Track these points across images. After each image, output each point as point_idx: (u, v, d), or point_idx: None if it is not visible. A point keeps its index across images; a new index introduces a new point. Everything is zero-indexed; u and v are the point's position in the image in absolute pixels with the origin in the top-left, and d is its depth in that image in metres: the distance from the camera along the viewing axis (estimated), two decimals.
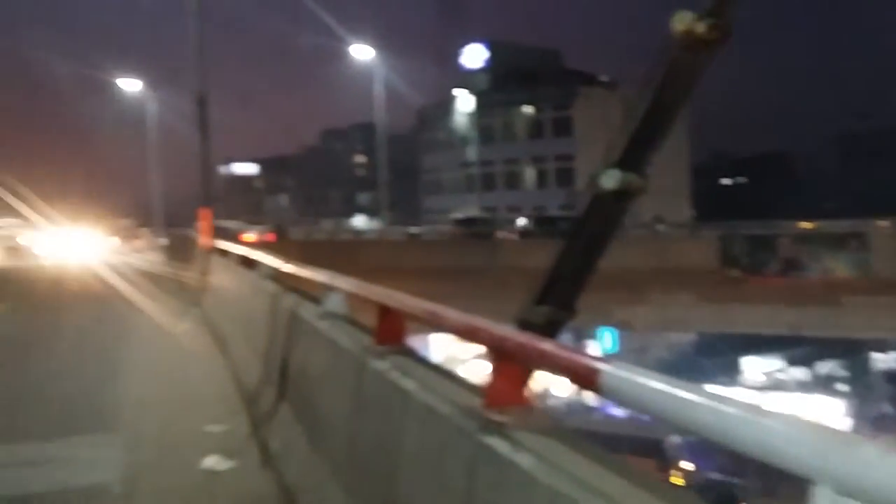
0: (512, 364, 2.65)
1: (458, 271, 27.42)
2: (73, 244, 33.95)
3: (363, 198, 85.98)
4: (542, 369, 2.33)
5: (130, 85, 47.63)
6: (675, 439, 32.64)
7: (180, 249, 26.12)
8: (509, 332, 2.60)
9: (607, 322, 29.32)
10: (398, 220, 54.26)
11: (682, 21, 12.59)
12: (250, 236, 32.89)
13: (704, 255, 25.97)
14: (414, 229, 43.52)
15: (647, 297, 26.34)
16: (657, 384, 1.78)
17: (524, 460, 2.24)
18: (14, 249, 32.62)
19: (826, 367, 45.15)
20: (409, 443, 3.08)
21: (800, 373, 44.73)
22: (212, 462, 5.76)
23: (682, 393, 1.69)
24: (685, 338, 40.99)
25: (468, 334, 2.92)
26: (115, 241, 39.74)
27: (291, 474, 4.81)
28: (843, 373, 45.04)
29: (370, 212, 75.92)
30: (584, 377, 2.04)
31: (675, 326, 30.33)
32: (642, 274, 25.51)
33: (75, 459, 6.05)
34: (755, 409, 1.53)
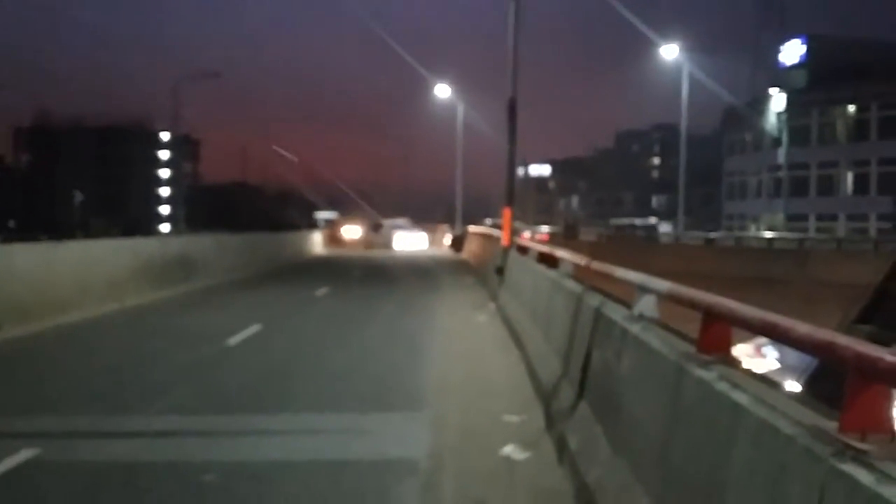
0: (876, 387, 2.30)
1: (759, 281, 25.59)
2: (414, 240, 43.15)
3: (658, 200, 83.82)
4: None
5: (443, 91, 51.15)
6: None
7: (483, 245, 27.46)
8: (880, 351, 2.24)
9: None
10: (695, 224, 51.99)
11: None
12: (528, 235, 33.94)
13: None
14: (712, 234, 41.36)
15: None
16: None
17: (893, 494, 1.94)
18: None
19: None
20: (739, 460, 2.83)
21: None
22: (509, 451, 5.87)
23: None
24: None
25: (822, 350, 2.58)
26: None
27: (591, 474, 4.71)
28: None
29: (664, 215, 73.65)
30: None
31: None
32: None
33: (388, 433, 6.54)
34: None
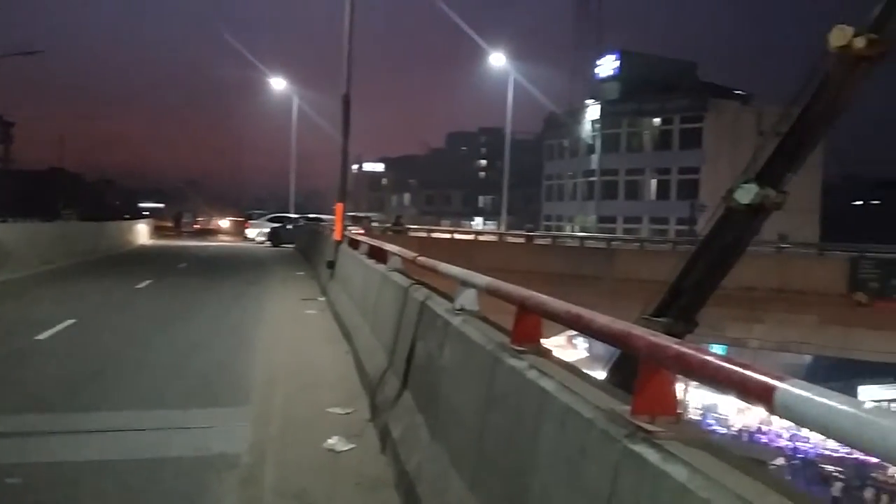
0: (664, 373, 2.58)
1: (572, 277, 27.18)
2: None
3: (484, 200, 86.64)
4: (704, 382, 2.24)
5: (278, 84, 50.19)
6: (779, 462, 31.51)
7: (311, 240, 27.17)
8: (668, 340, 2.52)
9: (720, 339, 28.54)
10: (517, 223, 54.26)
11: (841, 36, 11.99)
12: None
13: (831, 278, 24.74)
14: (531, 233, 43.41)
15: (765, 316, 25.46)
16: (845, 406, 1.67)
17: (677, 471, 2.16)
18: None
19: None
20: (545, 443, 3.04)
21: None
22: (333, 442, 5.94)
23: (877, 419, 1.58)
24: (799, 360, 39.38)
25: (619, 340, 2.85)
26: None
27: (411, 462, 4.87)
28: None
29: (490, 214, 76.33)
30: (756, 394, 1.95)
31: (793, 348, 29.14)
32: (762, 292, 24.70)
33: (210, 428, 6.39)
34: None
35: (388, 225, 42.65)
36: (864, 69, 11.98)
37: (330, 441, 5.96)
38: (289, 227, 38.74)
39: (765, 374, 1.97)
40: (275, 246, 36.98)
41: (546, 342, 4.02)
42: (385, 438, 5.73)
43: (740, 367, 2.08)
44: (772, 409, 1.88)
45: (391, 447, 5.44)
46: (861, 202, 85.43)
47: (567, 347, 36.42)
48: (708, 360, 2.22)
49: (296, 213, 44.17)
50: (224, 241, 43.56)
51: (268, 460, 5.57)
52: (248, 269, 24.30)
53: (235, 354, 9.73)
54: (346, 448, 5.84)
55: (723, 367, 2.14)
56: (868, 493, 28.78)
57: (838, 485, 30.00)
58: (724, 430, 37.11)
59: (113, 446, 5.79)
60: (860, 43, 11.55)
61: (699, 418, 37.75)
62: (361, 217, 39.45)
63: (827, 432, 1.74)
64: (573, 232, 53.89)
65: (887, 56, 11.82)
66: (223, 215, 60.12)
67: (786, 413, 1.84)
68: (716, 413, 37.53)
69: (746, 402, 2.04)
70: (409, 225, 47.60)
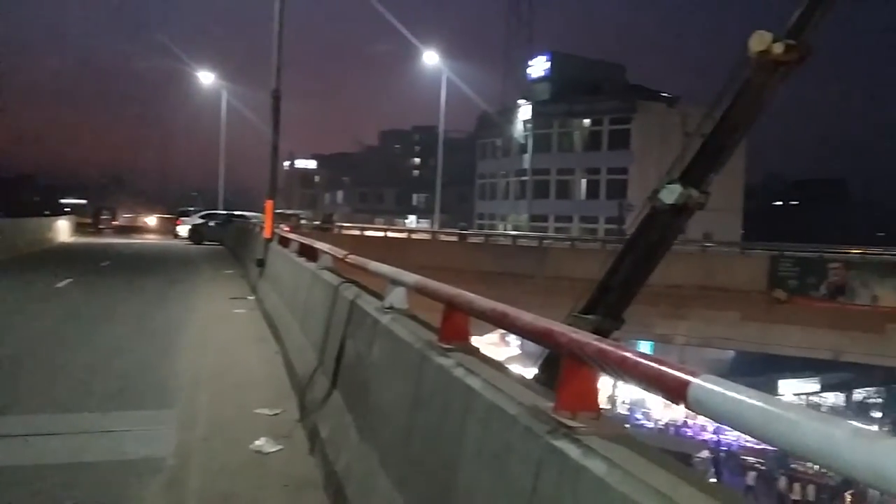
0: (585, 369, 2.62)
1: (504, 275, 27.44)
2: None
3: (418, 198, 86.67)
4: (623, 378, 2.29)
5: (206, 78, 49.19)
6: (704, 454, 32.57)
7: (240, 237, 26.67)
8: (589, 337, 2.56)
9: (647, 335, 29.28)
10: (451, 222, 54.47)
11: (760, 41, 12.42)
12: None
13: (752, 275, 25.65)
14: (464, 231, 43.59)
15: (690, 312, 26.24)
16: (753, 400, 1.73)
17: (596, 466, 2.20)
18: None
19: (863, 393, 45.04)
20: (471, 440, 3.06)
21: (836, 397, 44.51)
22: (261, 443, 5.85)
23: (782, 411, 1.64)
24: (723, 355, 40.83)
25: (542, 337, 2.89)
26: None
27: (340, 462, 4.83)
28: (879, 400, 44.81)
29: (423, 212, 76.40)
30: (671, 389, 2.00)
31: (716, 343, 30.17)
32: (687, 289, 25.41)
33: (132, 432, 6.21)
34: (866, 432, 1.47)
35: (317, 223, 42.00)
36: (781, 73, 12.44)
37: (257, 442, 5.87)
38: (211, 223, 37.58)
39: (679, 370, 2.02)
40: (196, 244, 35.78)
41: (479, 340, 4.05)
42: (314, 439, 5.68)
43: (657, 362, 2.12)
44: (685, 404, 1.93)
45: (320, 448, 5.38)
46: (781, 202, 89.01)
47: (500, 345, 36.76)
48: (627, 357, 2.26)
49: (226, 211, 43.27)
50: (150, 239, 42.39)
51: (193, 463, 5.45)
52: (174, 267, 23.70)
53: (160, 355, 9.47)
54: (273, 449, 5.76)
55: (640, 362, 2.18)
56: (782, 482, 29.98)
57: (752, 474, 31.23)
58: (651, 425, 38.12)
59: (23, 451, 5.57)
60: (778, 48, 11.98)
61: (627, 413, 38.72)
62: (290, 214, 38.80)
63: (737, 426, 1.79)
64: (506, 230, 54.43)
65: (804, 61, 12.29)
66: (150, 212, 58.55)
67: (698, 407, 1.90)
68: (643, 408, 38.50)
69: (662, 396, 2.09)
70: (342, 223, 47.27)
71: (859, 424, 1.50)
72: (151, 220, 54.22)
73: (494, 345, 34.27)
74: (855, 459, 1.45)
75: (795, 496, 29.25)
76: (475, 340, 4.02)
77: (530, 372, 17.25)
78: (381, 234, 41.92)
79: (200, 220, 38.72)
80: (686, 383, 1.94)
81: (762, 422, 1.69)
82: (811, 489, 29.01)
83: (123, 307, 13.92)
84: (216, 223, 37.32)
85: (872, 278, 24.01)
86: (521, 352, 36.08)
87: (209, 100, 52.52)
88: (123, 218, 56.97)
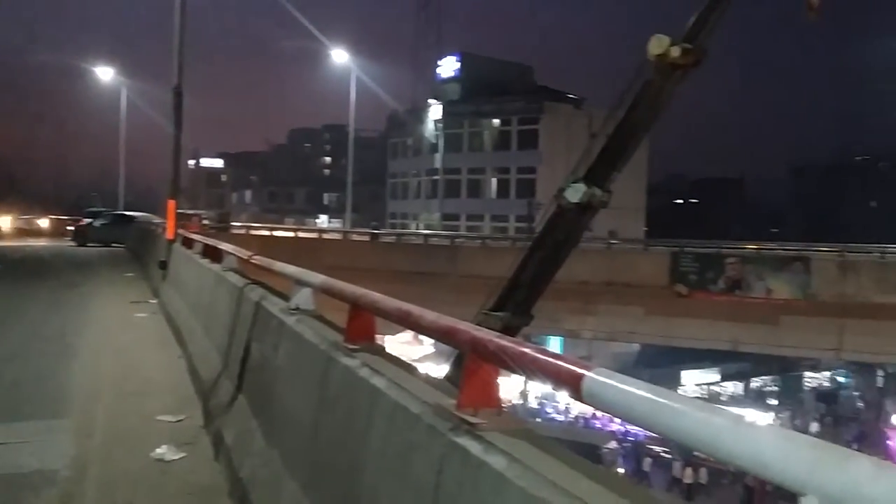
0: (487, 366, 2.65)
1: (417, 274, 27.48)
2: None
3: (329, 197, 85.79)
4: (523, 373, 2.33)
5: (105, 73, 47.35)
6: (611, 445, 33.58)
7: (142, 238, 25.73)
8: (490, 334, 2.59)
9: (556, 330, 29.93)
10: (362, 221, 54.17)
11: (658, 45, 12.89)
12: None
13: (655, 271, 26.61)
14: (376, 231, 43.44)
15: (597, 308, 26.99)
16: (642, 392, 1.78)
17: (496, 461, 2.23)
18: None
19: (760, 382, 47.52)
20: (376, 440, 3.06)
21: (735, 386, 46.75)
22: (162, 451, 5.67)
23: (668, 401, 1.70)
24: (629, 349, 42.25)
25: (445, 335, 2.91)
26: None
27: (245, 468, 4.74)
28: (775, 388, 47.39)
29: (335, 212, 75.71)
30: (567, 382, 2.04)
31: (622, 337, 31.18)
32: (594, 286, 26.12)
33: (25, 444, 5.91)
34: (744, 421, 1.54)
35: (213, 223, 40.33)
36: (679, 76, 12.95)
37: (159, 450, 5.68)
38: (97, 224, 35.68)
39: (574, 364, 2.07)
40: (79, 246, 33.77)
41: (392, 339, 4.04)
42: (218, 445, 5.54)
43: (553, 358, 2.17)
44: (580, 397, 1.98)
45: (225, 454, 5.26)
46: (682, 200, 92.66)
47: (414, 343, 36.78)
48: (525, 352, 2.30)
49: (129, 212, 41.59)
50: (44, 242, 40.33)
51: (90, 475, 5.23)
52: (72, 270, 22.65)
53: (56, 363, 9.05)
54: (176, 457, 5.59)
55: (538, 358, 2.22)
56: (675, 467, 31.21)
57: (647, 460, 32.44)
58: (561, 418, 39.01)
59: None
60: (676, 52, 12.47)
61: (538, 407, 39.51)
62: (191, 214, 37.50)
63: (628, 417, 1.85)
64: (418, 230, 54.52)
65: (699, 64, 12.82)
66: (46, 214, 55.76)
67: (591, 400, 1.95)
68: (554, 402, 39.35)
69: (560, 390, 2.14)
70: (252, 223, 46.25)
71: (740, 413, 1.58)
72: (44, 223, 51.68)
73: (408, 343, 34.27)
74: (735, 446, 1.52)
75: (688, 480, 30.52)
76: (389, 340, 4.02)
77: (443, 370, 17.38)
78: (291, 234, 41.26)
79: (85, 221, 36.78)
80: (580, 377, 1.99)
81: (651, 412, 1.75)
82: (703, 472, 30.25)
83: (15, 313, 13.23)
84: (102, 224, 35.53)
85: (767, 272, 25.28)
86: (434, 350, 36.25)
87: (109, 97, 50.57)
88: (18, 220, 54.08)
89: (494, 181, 56.41)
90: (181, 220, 17.49)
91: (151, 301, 14.58)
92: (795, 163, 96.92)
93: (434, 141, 59.53)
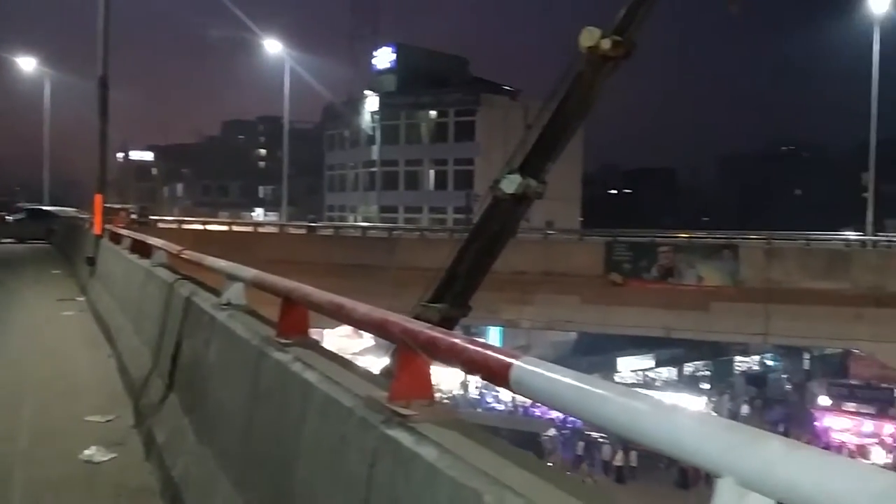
0: (418, 358, 2.65)
1: (355, 267, 27.32)
2: None
3: (265, 190, 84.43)
4: (453, 364, 2.34)
5: (27, 63, 45.60)
6: (551, 433, 34.09)
7: (69, 234, 24.90)
8: (420, 326, 2.59)
9: (495, 320, 30.14)
10: (299, 214, 53.58)
11: (589, 38, 13.08)
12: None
13: (590, 260, 27.04)
14: (314, 224, 43.06)
15: (534, 297, 27.30)
16: (567, 379, 1.81)
17: (427, 452, 2.24)
18: None
19: (693, 367, 49.00)
20: (309, 435, 3.03)
21: (669, 372, 48.06)
22: (91, 453, 5.52)
23: (592, 388, 1.73)
24: (567, 337, 42.93)
25: (377, 328, 2.90)
26: None
27: (177, 467, 4.65)
28: (707, 373, 48.92)
29: (271, 205, 74.59)
30: (496, 372, 2.06)
31: (559, 326, 31.64)
32: (531, 276, 26.40)
33: None
34: (664, 405, 1.58)
35: (133, 217, 38.90)
36: (610, 67, 13.16)
37: (88, 452, 5.53)
38: (9, 218, 34.25)
39: (502, 354, 2.09)
40: None
41: (332, 332, 4.01)
42: (150, 444, 5.43)
43: (482, 348, 2.18)
44: (508, 385, 1.99)
45: (156, 453, 5.15)
46: (616, 191, 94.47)
47: (353, 337, 36.57)
48: (455, 343, 2.31)
49: (53, 206, 40.13)
50: None
51: (14, 478, 5.06)
52: None
53: None
54: (105, 458, 5.45)
55: (468, 348, 2.24)
56: (606, 449, 31.87)
57: (580, 444, 33.10)
58: (501, 407, 39.37)
59: None
60: (606, 44, 12.67)
61: (479, 397, 39.79)
62: (118, 209, 36.14)
63: (555, 404, 1.87)
64: (356, 222, 54.19)
65: (630, 56, 13.06)
66: None
67: (519, 388, 1.97)
68: (494, 391, 39.67)
69: (490, 381, 2.15)
70: (186, 217, 45.19)
71: (673, 398, 1.62)
72: None
73: (347, 337, 34.04)
74: (655, 430, 1.56)
75: (618, 462, 31.21)
76: (328, 334, 3.99)
77: (383, 363, 17.35)
78: (225, 228, 40.49)
79: None
80: (508, 366, 2.01)
81: (576, 399, 1.78)
82: (633, 455, 30.93)
83: None
84: (17, 219, 34.12)
85: (698, 260, 25.96)
86: (374, 343, 36.13)
87: (32, 88, 48.68)
88: None
89: (432, 173, 56.45)
90: (108, 214, 16.97)
91: (79, 298, 14.15)
92: (725, 153, 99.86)
93: (371, 133, 59.20)
